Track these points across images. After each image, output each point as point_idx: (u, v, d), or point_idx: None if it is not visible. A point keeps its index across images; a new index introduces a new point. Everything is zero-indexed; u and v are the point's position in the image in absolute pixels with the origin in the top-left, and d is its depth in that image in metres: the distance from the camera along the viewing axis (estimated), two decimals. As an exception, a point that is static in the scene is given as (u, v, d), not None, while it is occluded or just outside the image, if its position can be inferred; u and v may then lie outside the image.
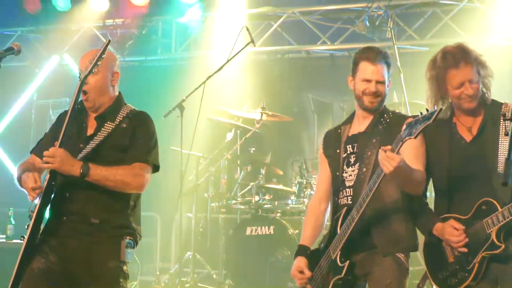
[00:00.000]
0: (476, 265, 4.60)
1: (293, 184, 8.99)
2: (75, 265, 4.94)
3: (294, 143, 11.24)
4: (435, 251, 4.92)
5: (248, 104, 9.93)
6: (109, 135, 4.95)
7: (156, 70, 11.53)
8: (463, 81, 4.80)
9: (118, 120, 5.00)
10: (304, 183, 8.76)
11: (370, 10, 10.40)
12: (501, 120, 4.72)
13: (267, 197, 8.99)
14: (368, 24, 10.28)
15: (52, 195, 4.93)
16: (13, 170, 11.85)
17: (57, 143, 4.83)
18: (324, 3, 10.91)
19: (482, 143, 4.78)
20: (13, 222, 8.97)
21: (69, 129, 5.02)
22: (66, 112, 5.15)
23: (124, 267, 5.00)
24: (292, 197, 8.88)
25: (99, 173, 4.83)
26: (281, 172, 9.87)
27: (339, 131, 5.29)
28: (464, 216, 4.72)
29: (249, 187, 9.23)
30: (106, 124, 4.98)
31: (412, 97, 8.77)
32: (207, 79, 9.23)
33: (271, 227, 8.58)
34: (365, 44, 10.73)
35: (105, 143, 4.93)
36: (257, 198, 8.91)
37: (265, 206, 8.89)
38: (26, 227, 4.97)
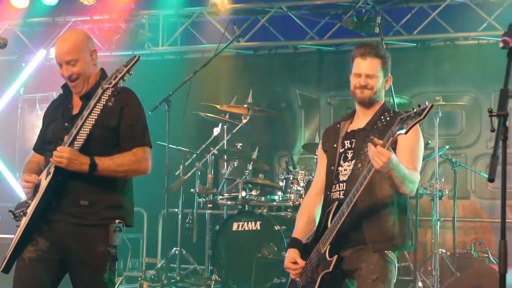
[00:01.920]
0: None
1: (280, 180, 8.99)
2: (65, 249, 4.89)
3: (281, 138, 11.24)
4: None
5: (235, 99, 9.93)
6: (98, 117, 4.75)
7: (143, 65, 11.50)
8: None
9: (104, 99, 4.76)
10: (291, 178, 8.75)
11: (358, 5, 10.42)
12: None
13: (253, 192, 8.98)
14: (355, 19, 10.28)
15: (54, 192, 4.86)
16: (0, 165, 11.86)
17: (64, 143, 4.74)
18: (311, -1, 10.94)
19: None
20: (-3, 215, 8.94)
21: (55, 113, 5.09)
22: (54, 102, 5.22)
23: (113, 251, 4.94)
24: (279, 193, 8.88)
25: (107, 167, 4.81)
26: (267, 168, 9.88)
27: (338, 126, 5.26)
28: None
29: (236, 182, 9.23)
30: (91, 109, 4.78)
31: (398, 93, 8.77)
32: (194, 73, 9.25)
33: (258, 223, 8.58)
34: (353, 40, 10.82)
35: (95, 125, 4.76)
36: (243, 193, 8.91)
37: (252, 201, 8.89)
38: (16, 227, 4.97)
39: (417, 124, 4.55)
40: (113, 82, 4.73)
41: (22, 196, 5.07)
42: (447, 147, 9.54)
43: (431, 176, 9.64)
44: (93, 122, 4.72)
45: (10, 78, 12.04)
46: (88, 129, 4.74)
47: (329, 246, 4.78)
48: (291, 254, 5.04)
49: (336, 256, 4.76)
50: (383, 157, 4.35)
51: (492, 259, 8.97)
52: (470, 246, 9.78)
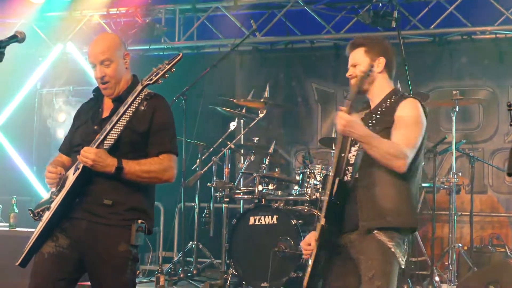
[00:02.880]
0: None
1: (296, 174, 8.99)
2: (85, 248, 4.85)
3: (298, 132, 11.24)
4: None
5: (252, 93, 9.92)
6: (129, 120, 4.76)
7: (160, 59, 11.48)
8: None
9: (136, 103, 4.78)
10: (308, 173, 8.75)
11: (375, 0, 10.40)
12: None
13: (270, 186, 8.98)
14: (372, 14, 10.26)
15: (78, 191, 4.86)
16: (17, 158, 11.88)
17: (97, 137, 4.76)
18: (328, -7, 10.93)
19: None
20: (16, 210, 8.92)
21: (85, 115, 5.09)
22: (84, 105, 5.25)
23: (134, 251, 4.90)
24: (296, 187, 8.88)
25: (133, 172, 4.79)
26: (284, 162, 9.89)
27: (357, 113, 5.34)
28: None
29: (253, 176, 9.23)
30: (125, 111, 4.79)
31: (415, 86, 8.76)
32: (210, 67, 9.25)
33: (274, 217, 8.58)
34: (369, 34, 10.79)
35: (125, 128, 4.77)
36: (260, 187, 8.91)
37: (268, 195, 8.89)
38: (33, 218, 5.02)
39: (416, 102, 4.90)
40: (154, 78, 4.78)
41: (39, 189, 5.11)
42: (464, 141, 9.52)
43: (448, 171, 9.61)
44: (125, 124, 4.73)
45: (27, 72, 12.07)
46: (119, 131, 4.74)
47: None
48: (308, 236, 5.08)
49: (320, 225, 4.84)
50: (342, 120, 4.63)
51: (509, 254, 8.96)
52: (487, 241, 9.78)
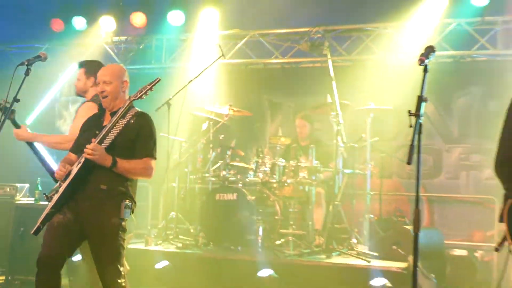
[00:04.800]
0: None
1: (251, 162, 8.96)
2: (87, 220, 5.01)
3: (253, 132, 11.24)
4: None
5: (219, 102, 9.89)
6: (121, 129, 5.04)
7: (150, 76, 11.39)
8: None
9: (128, 118, 5.08)
10: (260, 161, 8.75)
11: (311, 33, 10.40)
12: None
13: (231, 172, 8.96)
14: (309, 43, 10.29)
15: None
16: (42, 150, 11.74)
17: (94, 140, 4.96)
18: (277, 27, 10.89)
19: None
20: (40, 188, 8.89)
21: (90, 124, 5.34)
22: (90, 117, 5.46)
23: (123, 223, 5.07)
24: (251, 172, 8.86)
25: (123, 167, 5.02)
26: (242, 153, 9.84)
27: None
28: None
29: (219, 164, 9.20)
30: (117, 119, 5.06)
31: (341, 98, 8.77)
32: (189, 83, 9.20)
33: (234, 194, 8.56)
34: (307, 59, 10.81)
35: (118, 134, 5.03)
36: (224, 172, 8.89)
37: (230, 178, 8.86)
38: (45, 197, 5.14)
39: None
40: (138, 95, 5.05)
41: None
42: (376, 138, 9.55)
43: (364, 161, 9.65)
44: (118, 131, 5.00)
45: (50, 84, 11.96)
46: (113, 136, 4.99)
47: None
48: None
49: None
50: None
51: (407, 223, 9.00)
52: (392, 213, 9.83)
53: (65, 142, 6.09)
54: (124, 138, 5.07)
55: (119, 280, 5.01)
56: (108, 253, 5.02)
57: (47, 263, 4.96)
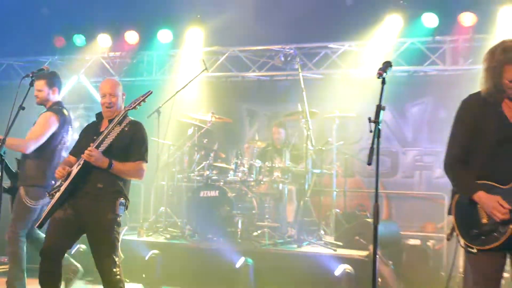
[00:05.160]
0: (511, 230, 3.82)
1: (231, 163, 8.95)
2: (85, 216, 5.03)
3: (233, 136, 11.22)
4: (467, 211, 3.99)
5: (203, 110, 9.87)
6: (117, 135, 5.08)
7: (142, 87, 11.37)
8: None
9: (123, 125, 5.11)
10: (239, 162, 8.73)
11: (284, 50, 10.42)
12: None
13: (214, 171, 8.94)
14: (282, 59, 10.29)
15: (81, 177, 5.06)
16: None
17: (93, 144, 4.99)
18: (254, 45, 10.89)
19: None
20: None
21: (88, 131, 5.36)
22: (89, 124, 5.49)
23: (118, 219, 5.10)
24: (231, 172, 8.84)
25: (119, 168, 5.04)
26: (223, 155, 9.84)
27: None
28: (503, 186, 3.89)
29: (203, 165, 9.17)
30: (114, 126, 5.10)
31: (310, 107, 8.79)
32: (176, 93, 9.18)
33: (217, 191, 8.54)
34: (281, 73, 10.83)
35: (114, 140, 5.06)
36: (207, 172, 8.86)
37: (213, 177, 8.84)
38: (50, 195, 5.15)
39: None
40: (133, 106, 5.11)
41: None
42: (341, 142, 9.59)
43: (330, 162, 9.68)
44: (114, 137, 5.03)
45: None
46: (110, 141, 5.02)
47: None
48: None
49: None
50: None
51: (368, 216, 9.04)
52: (355, 208, 9.86)
53: (23, 145, 6.03)
54: (120, 143, 5.09)
55: (114, 269, 5.03)
56: (104, 245, 5.04)
57: (49, 255, 5.01)
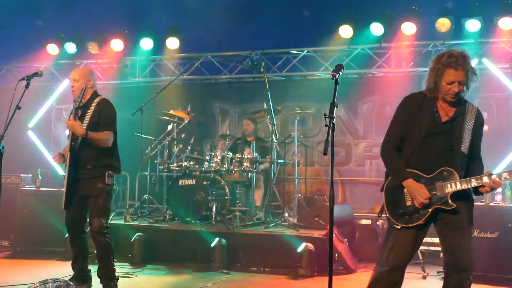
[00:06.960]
0: (429, 212, 3.98)
1: (206, 155, 8.92)
2: (83, 189, 5.59)
3: (207, 131, 11.16)
4: (395, 193, 4.12)
5: (180, 108, 9.81)
6: (91, 114, 5.60)
7: (127, 89, 11.30)
8: (454, 81, 3.95)
9: (93, 106, 5.63)
10: (213, 154, 8.70)
11: (252, 55, 10.38)
12: (466, 112, 4.04)
13: (191, 162, 8.89)
14: (250, 63, 10.27)
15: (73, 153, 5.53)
16: (41, 147, 11.45)
17: (72, 117, 5.50)
18: (225, 51, 10.83)
19: (452, 125, 4.03)
20: (40, 177, 8.69)
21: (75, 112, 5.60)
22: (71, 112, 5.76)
23: (108, 187, 5.56)
24: (206, 163, 8.81)
25: (92, 137, 5.46)
26: (199, 148, 9.81)
27: None
28: (426, 175, 4.02)
29: (181, 156, 9.13)
30: (87, 109, 5.62)
31: (275, 105, 8.79)
32: (157, 94, 9.13)
33: (193, 180, 8.51)
34: (249, 75, 10.79)
35: (89, 119, 5.57)
36: (185, 163, 8.81)
37: (190, 168, 8.80)
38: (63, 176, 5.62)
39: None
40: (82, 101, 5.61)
41: (54, 166, 5.48)
42: (302, 136, 9.60)
43: (292, 153, 9.70)
44: (90, 115, 5.58)
45: (47, 96, 11.64)
46: (87, 121, 5.56)
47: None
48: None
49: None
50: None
51: (326, 200, 9.08)
52: (314, 193, 9.90)
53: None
54: (92, 118, 5.56)
55: (103, 230, 5.48)
56: (95, 209, 5.51)
57: (71, 226, 5.65)
